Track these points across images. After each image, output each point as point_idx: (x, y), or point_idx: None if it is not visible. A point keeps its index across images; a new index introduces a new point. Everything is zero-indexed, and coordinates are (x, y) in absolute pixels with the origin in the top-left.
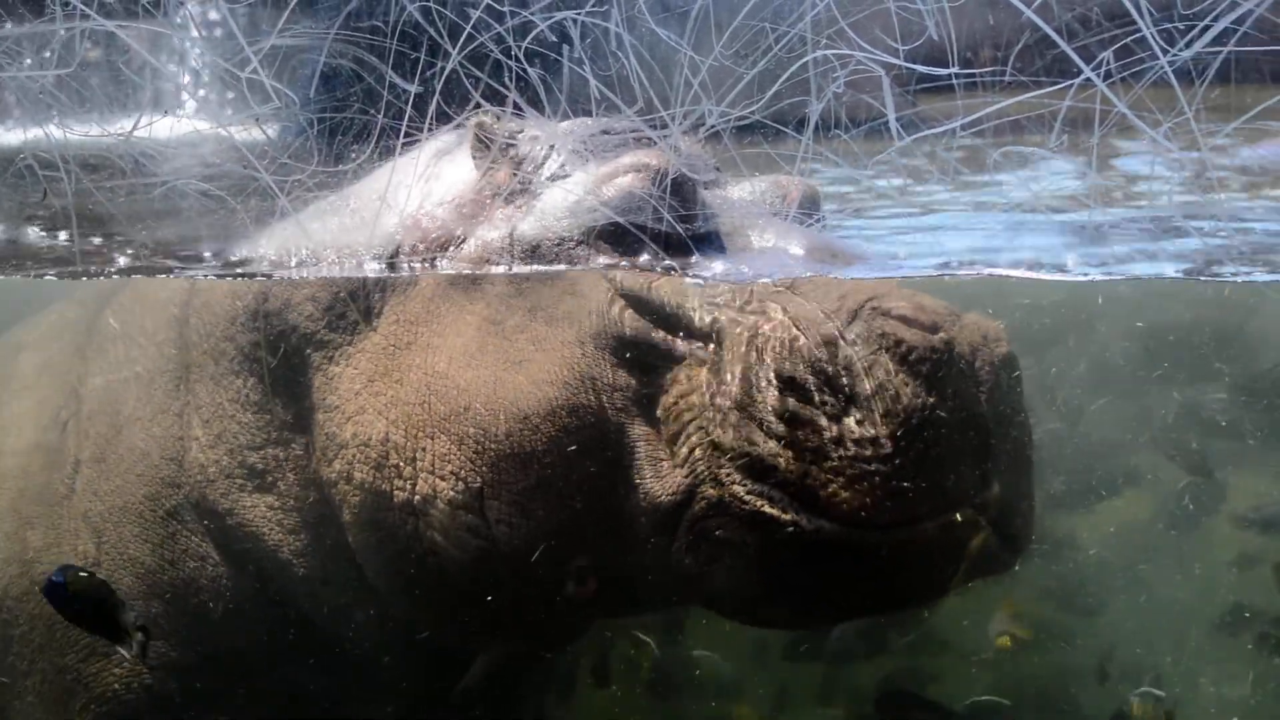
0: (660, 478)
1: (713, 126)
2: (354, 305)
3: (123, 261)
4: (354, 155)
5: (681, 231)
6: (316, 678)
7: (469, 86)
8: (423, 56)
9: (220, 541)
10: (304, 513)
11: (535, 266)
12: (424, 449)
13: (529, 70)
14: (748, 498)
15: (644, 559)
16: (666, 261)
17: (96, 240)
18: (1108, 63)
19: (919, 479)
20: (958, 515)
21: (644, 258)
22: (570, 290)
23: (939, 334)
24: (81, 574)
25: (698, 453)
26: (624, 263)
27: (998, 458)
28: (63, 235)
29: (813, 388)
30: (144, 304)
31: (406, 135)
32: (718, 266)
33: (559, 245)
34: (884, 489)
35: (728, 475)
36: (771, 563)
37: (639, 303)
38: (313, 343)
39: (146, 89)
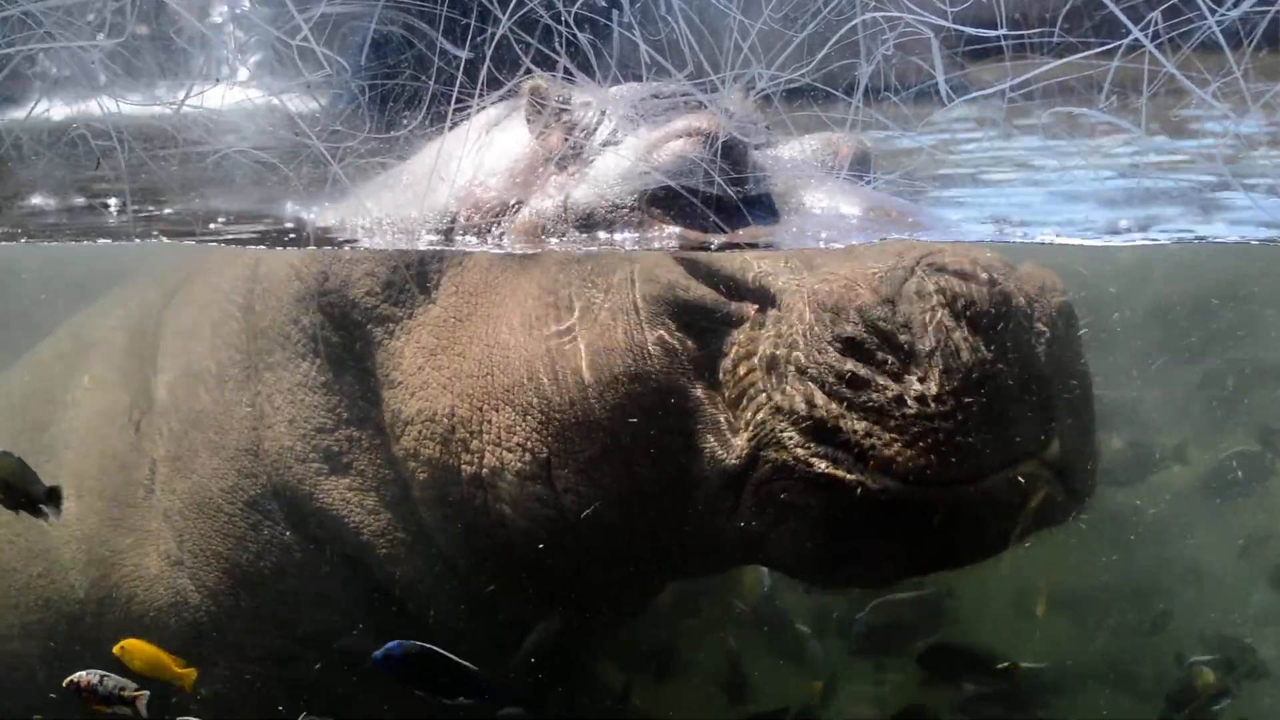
0: (724, 442)
1: (763, 90)
2: (411, 278)
3: (213, 226)
4: (405, 122)
5: (734, 194)
6: None
7: (519, 52)
8: (473, 22)
9: (303, 528)
10: (382, 492)
11: (593, 246)
12: (489, 421)
13: (579, 35)
14: (811, 460)
15: (709, 522)
16: (722, 237)
17: (167, 211)
18: (1156, 23)
19: (981, 434)
20: (1022, 468)
21: (698, 232)
22: (627, 255)
23: (996, 287)
24: None
25: (760, 415)
26: (675, 230)
27: (1059, 408)
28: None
29: (872, 347)
30: (207, 296)
31: (458, 101)
32: (773, 232)
33: (612, 211)
34: (947, 446)
35: (790, 438)
36: (837, 524)
37: (695, 266)
38: (373, 318)
39: (197, 58)
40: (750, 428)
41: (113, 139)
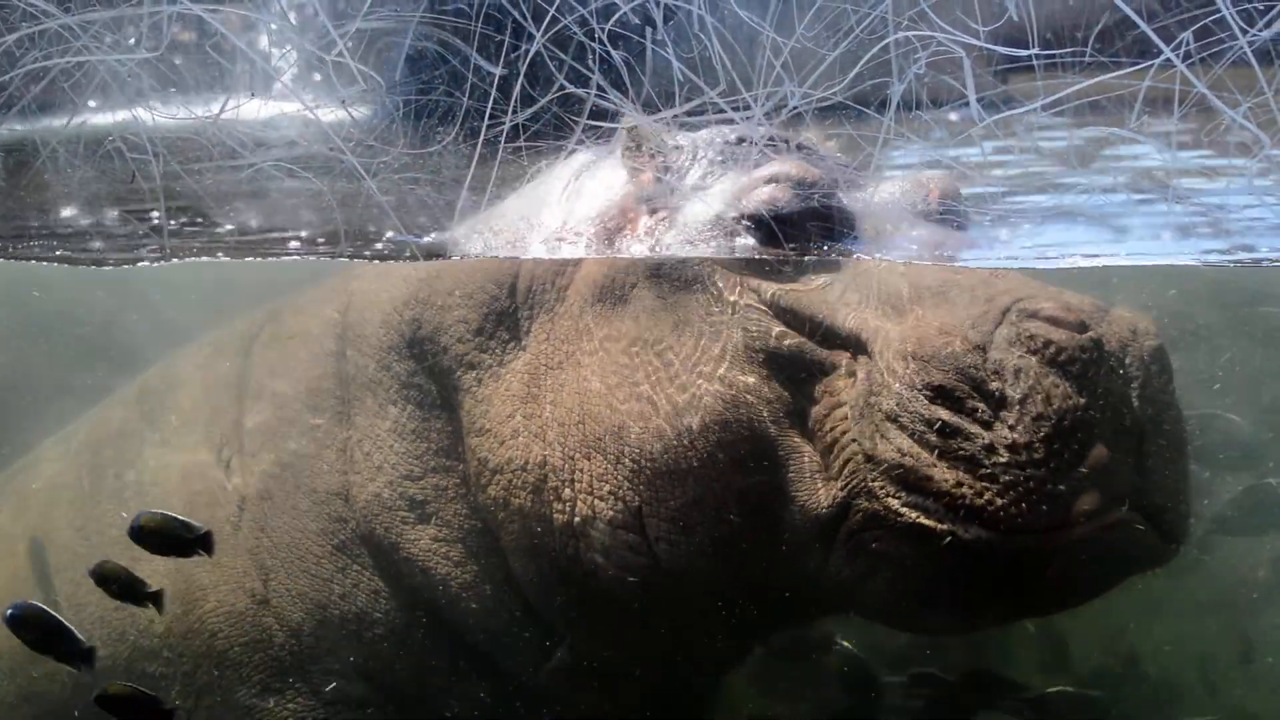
0: (815, 491)
1: (795, 108)
2: (503, 325)
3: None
4: (439, 137)
5: (823, 240)
6: (489, 708)
7: (553, 69)
8: (507, 39)
9: (390, 575)
10: (468, 543)
11: (672, 252)
12: (581, 470)
13: (612, 52)
14: (903, 510)
15: (801, 572)
16: (810, 284)
17: (225, 229)
18: (1187, 43)
19: (1073, 481)
20: (1114, 514)
21: (785, 280)
22: (717, 303)
23: (1087, 333)
24: None
25: (851, 465)
26: (760, 277)
27: (1151, 452)
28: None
29: (963, 395)
30: (296, 339)
31: (491, 117)
32: (858, 267)
33: (700, 261)
34: (1039, 494)
35: (881, 487)
36: (929, 572)
37: (786, 314)
38: (463, 364)
39: (234, 72)
40: (841, 477)
41: (148, 152)
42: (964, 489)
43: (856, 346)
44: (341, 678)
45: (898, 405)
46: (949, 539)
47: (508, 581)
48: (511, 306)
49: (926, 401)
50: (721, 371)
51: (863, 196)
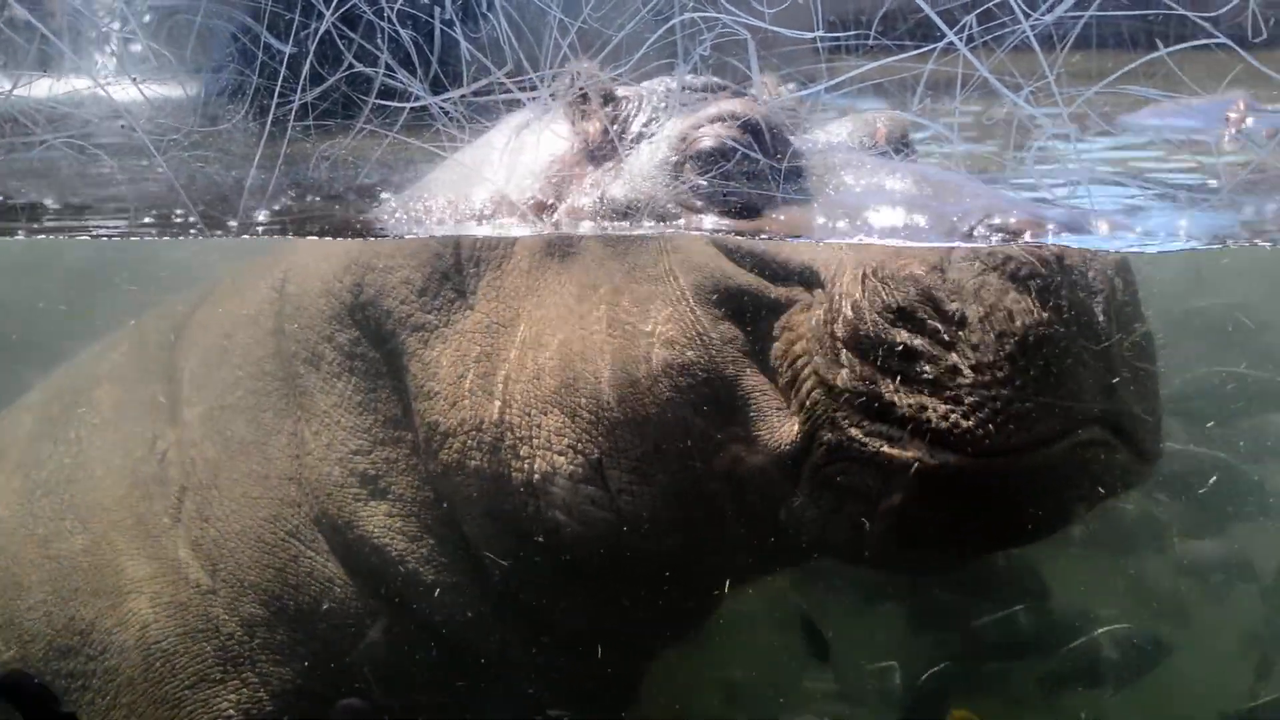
0: (777, 428)
1: (582, 89)
2: (448, 283)
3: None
4: (229, 116)
5: (772, 178)
6: (449, 694)
7: (342, 48)
8: (297, 17)
9: (344, 559)
10: (422, 516)
11: (629, 228)
12: (538, 426)
13: (400, 31)
14: (865, 439)
15: (768, 513)
16: (761, 221)
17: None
18: (971, 27)
19: (1040, 399)
20: (1084, 432)
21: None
22: (668, 247)
23: (1046, 246)
24: None
25: (812, 397)
26: (713, 218)
27: (1120, 368)
28: None
29: (923, 316)
30: (231, 321)
31: (280, 96)
32: (812, 213)
33: (649, 203)
34: (1005, 413)
35: (844, 417)
36: (897, 504)
37: (737, 253)
38: (408, 326)
39: (30, 49)
40: (803, 410)
41: None
42: (928, 413)
43: (811, 279)
44: (294, 670)
45: (855, 330)
46: (915, 466)
47: (466, 554)
48: (456, 264)
49: (885, 324)
50: (674, 315)
51: (810, 138)
